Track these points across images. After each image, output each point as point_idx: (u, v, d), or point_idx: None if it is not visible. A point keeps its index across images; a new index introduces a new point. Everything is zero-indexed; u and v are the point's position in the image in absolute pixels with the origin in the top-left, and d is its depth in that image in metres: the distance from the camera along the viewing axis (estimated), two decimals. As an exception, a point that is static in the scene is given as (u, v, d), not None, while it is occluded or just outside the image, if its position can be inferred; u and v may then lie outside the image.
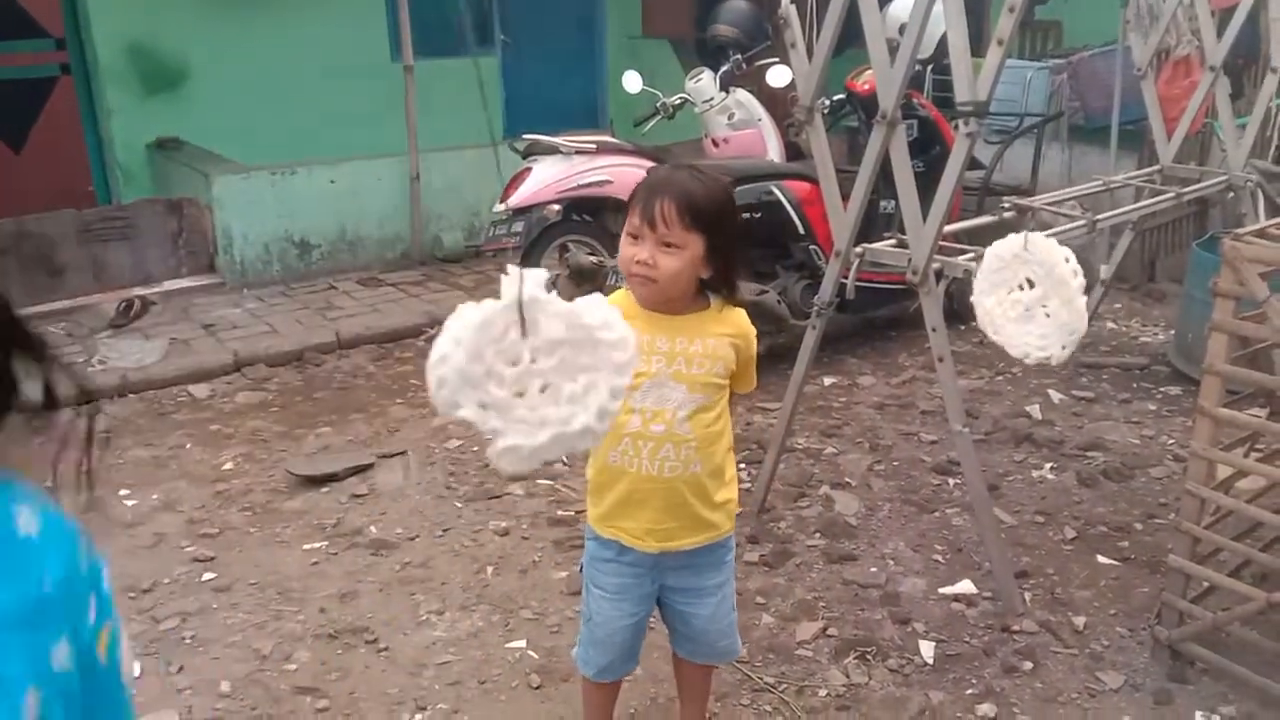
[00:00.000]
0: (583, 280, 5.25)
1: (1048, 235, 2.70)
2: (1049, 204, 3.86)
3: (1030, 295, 2.51)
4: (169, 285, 5.98)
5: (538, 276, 1.21)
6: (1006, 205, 3.73)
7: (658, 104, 5.69)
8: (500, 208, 5.09)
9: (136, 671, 2.76)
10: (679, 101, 5.68)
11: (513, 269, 1.21)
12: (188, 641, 2.90)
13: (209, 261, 6.16)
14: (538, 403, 1.20)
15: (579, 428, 1.20)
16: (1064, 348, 2.47)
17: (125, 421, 4.42)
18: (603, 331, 1.22)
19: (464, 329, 1.18)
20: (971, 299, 2.57)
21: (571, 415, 1.20)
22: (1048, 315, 2.46)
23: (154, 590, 3.15)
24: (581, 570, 2.17)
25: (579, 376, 1.21)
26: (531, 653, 2.81)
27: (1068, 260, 2.44)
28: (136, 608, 3.06)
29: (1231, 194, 4.33)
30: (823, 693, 2.63)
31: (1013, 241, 2.56)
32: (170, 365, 4.89)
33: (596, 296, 1.28)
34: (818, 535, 3.39)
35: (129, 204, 6.23)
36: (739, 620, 2.91)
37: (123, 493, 3.78)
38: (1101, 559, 3.23)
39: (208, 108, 6.99)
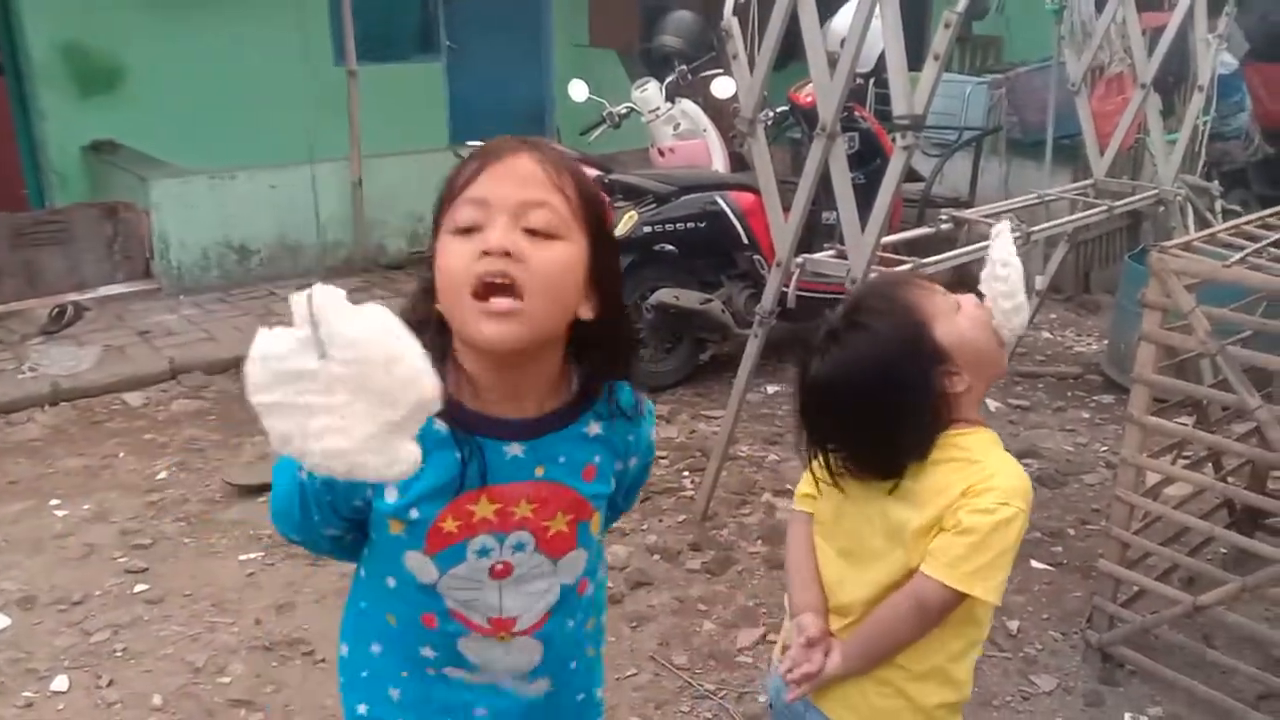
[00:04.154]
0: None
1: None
2: (986, 216, 3.93)
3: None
4: (104, 291, 5.84)
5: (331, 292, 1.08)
6: (945, 217, 3.80)
7: (604, 113, 5.70)
8: (445, 215, 5.07)
9: (65, 686, 2.70)
10: (625, 111, 5.70)
11: (299, 294, 1.06)
12: (119, 654, 2.84)
13: (145, 267, 6.04)
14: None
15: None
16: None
17: (57, 430, 4.31)
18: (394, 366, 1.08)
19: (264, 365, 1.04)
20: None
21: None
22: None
23: (85, 602, 3.08)
24: None
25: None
26: (472, 662, 2.79)
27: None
28: (66, 620, 2.98)
29: (1162, 208, 4.44)
30: (763, 699, 2.64)
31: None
32: (104, 373, 4.79)
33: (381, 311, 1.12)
34: (760, 542, 3.41)
35: (63, 208, 6.08)
36: (681, 626, 2.94)
37: (53, 503, 3.68)
38: (1035, 564, 3.29)
39: (145, 110, 6.85)
